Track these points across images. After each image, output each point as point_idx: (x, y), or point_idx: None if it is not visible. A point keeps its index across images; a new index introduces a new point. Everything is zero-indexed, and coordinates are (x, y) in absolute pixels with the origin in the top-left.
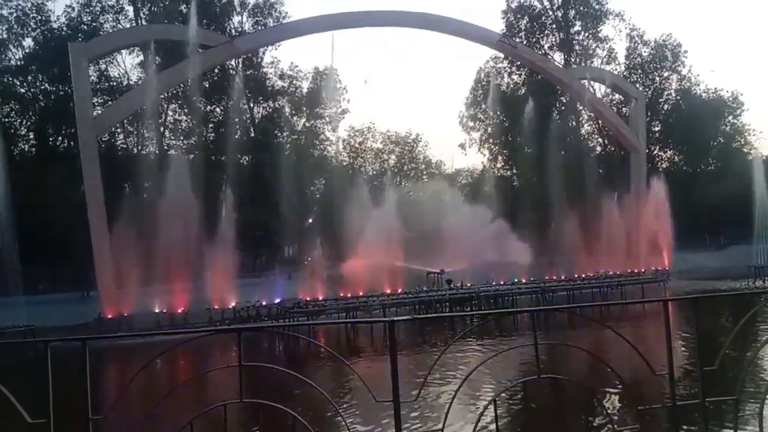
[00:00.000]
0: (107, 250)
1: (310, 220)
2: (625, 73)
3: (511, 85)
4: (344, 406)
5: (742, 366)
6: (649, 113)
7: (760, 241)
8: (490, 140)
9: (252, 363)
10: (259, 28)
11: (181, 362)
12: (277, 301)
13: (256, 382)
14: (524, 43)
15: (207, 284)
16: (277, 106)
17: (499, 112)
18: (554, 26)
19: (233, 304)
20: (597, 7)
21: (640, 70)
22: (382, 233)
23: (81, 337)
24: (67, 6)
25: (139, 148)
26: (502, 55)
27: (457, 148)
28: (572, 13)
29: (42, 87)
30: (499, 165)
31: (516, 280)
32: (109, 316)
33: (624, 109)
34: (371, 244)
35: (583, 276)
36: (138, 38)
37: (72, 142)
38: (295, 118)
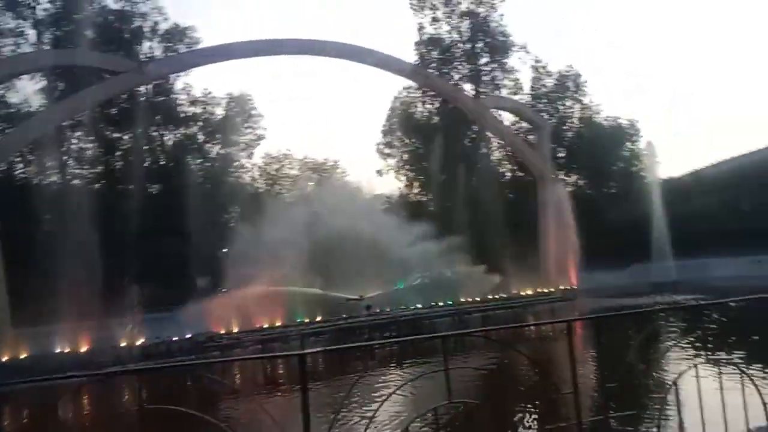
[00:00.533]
0: (2, 288)
1: (225, 249)
2: (531, 102)
3: (425, 114)
4: None
5: (641, 381)
6: (554, 140)
7: (657, 260)
8: (406, 167)
9: (155, 405)
10: (171, 54)
11: (82, 406)
12: (188, 336)
13: (162, 425)
14: (436, 74)
15: (113, 320)
16: (188, 132)
17: (413, 140)
18: (463, 58)
19: (142, 340)
20: (502, 39)
21: (545, 99)
22: (297, 259)
23: None
24: None
25: (40, 177)
26: (416, 85)
27: (375, 175)
28: (480, 45)
29: None
30: (415, 191)
31: (433, 304)
32: (4, 359)
33: (531, 137)
34: (285, 271)
35: (497, 297)
36: (40, 63)
37: None
38: (208, 144)
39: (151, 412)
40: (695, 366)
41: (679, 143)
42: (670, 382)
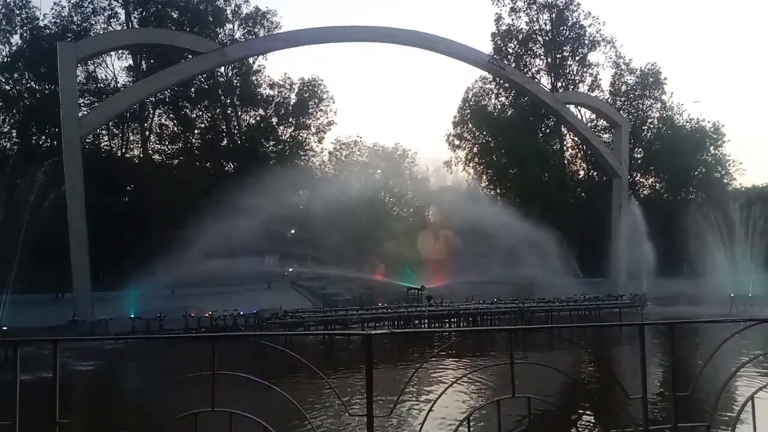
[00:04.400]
0: (85, 252)
1: (293, 231)
2: (609, 100)
3: (498, 107)
4: (318, 418)
5: (715, 392)
6: (632, 140)
7: (735, 271)
8: (476, 159)
9: (225, 372)
10: (250, 37)
11: (153, 368)
12: (254, 311)
13: (229, 391)
14: (512, 65)
15: (185, 291)
16: (264, 114)
17: (485, 132)
18: (542, 51)
19: (209, 312)
20: (580, 32)
21: (624, 98)
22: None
23: (51, 338)
24: (55, 4)
25: (123, 151)
26: (489, 77)
27: (443, 166)
28: (561, 38)
29: (28, 85)
30: (483, 184)
31: (495, 300)
32: (84, 319)
33: (606, 135)
34: (353, 258)
35: (562, 298)
36: (128, 41)
37: (55, 142)
38: (281, 127)
39: (221, 379)
40: None
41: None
42: (745, 397)
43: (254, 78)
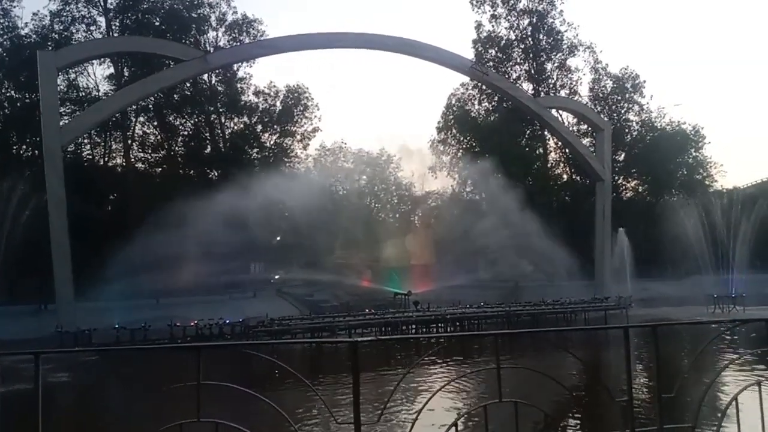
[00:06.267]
0: (68, 262)
1: (278, 238)
2: (589, 104)
3: (482, 112)
4: (305, 427)
5: (700, 393)
6: (613, 143)
7: (718, 272)
8: (460, 164)
9: (211, 381)
10: (235, 44)
11: (139, 379)
12: (240, 320)
13: (215, 401)
14: (494, 71)
15: (170, 300)
16: (248, 121)
17: (468, 138)
18: (523, 56)
19: (195, 321)
20: (560, 38)
21: (603, 102)
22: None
23: (33, 351)
24: (34, 14)
25: (106, 159)
26: (472, 82)
27: (428, 171)
28: (542, 44)
29: (8, 94)
30: (468, 189)
31: (482, 304)
32: (67, 330)
33: (588, 140)
34: (340, 264)
35: (548, 301)
36: (109, 49)
37: (36, 151)
38: (266, 134)
39: (207, 389)
40: (759, 383)
41: (749, 150)
42: (730, 397)
43: (239, 85)
